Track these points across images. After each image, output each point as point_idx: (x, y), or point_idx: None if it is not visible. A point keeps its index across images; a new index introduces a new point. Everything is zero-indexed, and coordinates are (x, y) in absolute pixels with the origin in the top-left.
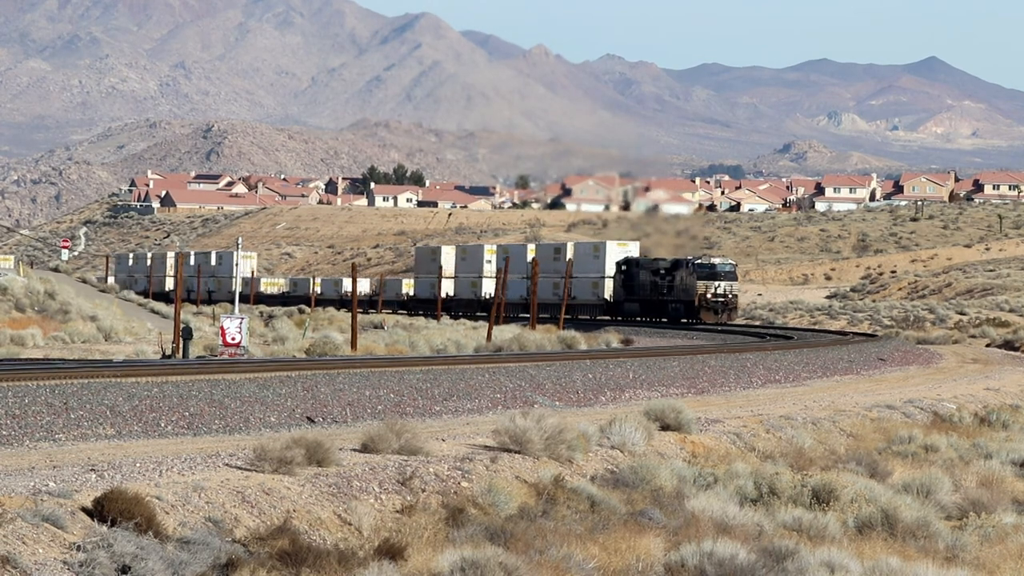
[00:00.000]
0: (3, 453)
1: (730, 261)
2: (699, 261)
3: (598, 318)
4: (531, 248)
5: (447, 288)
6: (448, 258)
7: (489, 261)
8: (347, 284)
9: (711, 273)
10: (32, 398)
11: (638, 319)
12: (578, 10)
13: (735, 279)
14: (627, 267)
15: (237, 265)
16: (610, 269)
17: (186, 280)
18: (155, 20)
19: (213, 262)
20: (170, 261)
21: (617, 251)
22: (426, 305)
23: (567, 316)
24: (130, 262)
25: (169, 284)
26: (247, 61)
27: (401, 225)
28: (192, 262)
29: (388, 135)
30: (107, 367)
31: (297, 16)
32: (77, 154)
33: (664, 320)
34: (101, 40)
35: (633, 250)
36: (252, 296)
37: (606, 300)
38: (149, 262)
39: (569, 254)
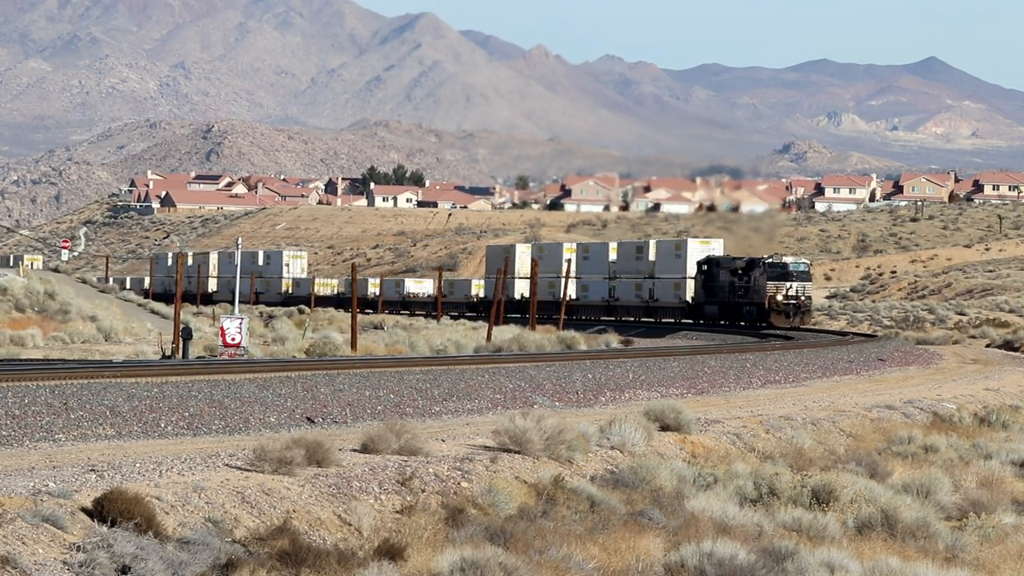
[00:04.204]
0: (3, 453)
1: (804, 260)
2: (770, 260)
3: (681, 321)
4: (613, 247)
5: (522, 289)
6: (523, 257)
7: (568, 260)
8: (409, 285)
9: (782, 273)
10: (32, 398)
11: (721, 322)
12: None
13: (808, 279)
14: (708, 267)
15: (287, 265)
16: (691, 269)
17: (231, 281)
18: (155, 20)
19: (260, 262)
20: (213, 261)
21: (699, 249)
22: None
23: (650, 320)
24: (168, 262)
25: (212, 285)
26: (247, 61)
27: (401, 225)
28: (236, 262)
29: (388, 135)
30: (107, 367)
31: (297, 16)
32: (77, 154)
33: (742, 324)
34: (101, 40)
35: (716, 248)
36: (312, 299)
37: (687, 302)
38: (190, 262)
39: (652, 254)
